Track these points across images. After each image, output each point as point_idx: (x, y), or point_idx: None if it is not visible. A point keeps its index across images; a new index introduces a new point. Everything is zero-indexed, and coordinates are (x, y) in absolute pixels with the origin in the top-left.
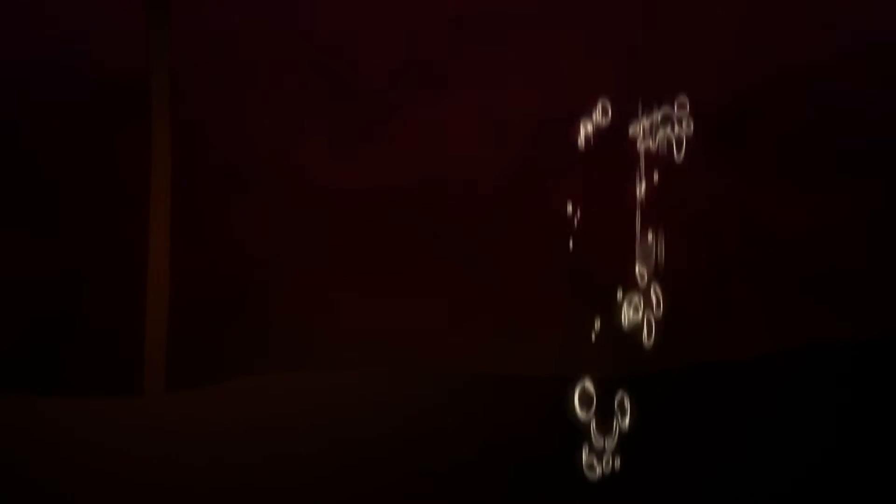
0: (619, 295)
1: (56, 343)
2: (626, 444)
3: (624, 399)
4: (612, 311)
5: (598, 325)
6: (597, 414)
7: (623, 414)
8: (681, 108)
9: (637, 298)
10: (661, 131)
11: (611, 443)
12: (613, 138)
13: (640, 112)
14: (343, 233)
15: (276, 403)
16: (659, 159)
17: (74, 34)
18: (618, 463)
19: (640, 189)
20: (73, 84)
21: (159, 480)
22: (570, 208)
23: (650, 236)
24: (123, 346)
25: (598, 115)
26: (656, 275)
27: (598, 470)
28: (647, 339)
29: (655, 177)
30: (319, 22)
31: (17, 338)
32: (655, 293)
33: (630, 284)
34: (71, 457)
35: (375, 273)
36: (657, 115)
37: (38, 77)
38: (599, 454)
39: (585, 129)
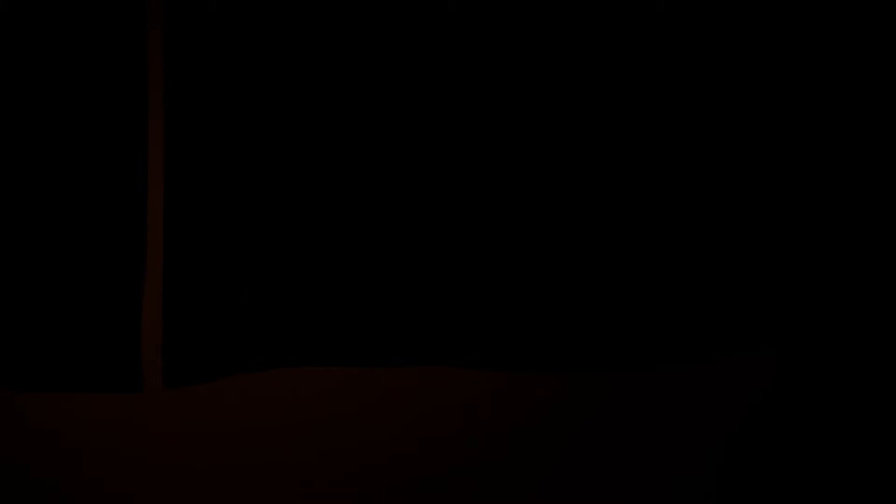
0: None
1: (53, 340)
2: (621, 443)
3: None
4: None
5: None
6: None
7: None
8: None
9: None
10: None
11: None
12: None
13: None
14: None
15: (274, 402)
16: None
17: (70, 31)
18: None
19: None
20: (68, 82)
21: (157, 478)
22: None
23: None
24: (121, 344)
25: None
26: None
27: None
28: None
29: None
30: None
31: (13, 335)
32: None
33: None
34: (69, 454)
35: (374, 269)
36: None
37: (33, 76)
38: None
39: None
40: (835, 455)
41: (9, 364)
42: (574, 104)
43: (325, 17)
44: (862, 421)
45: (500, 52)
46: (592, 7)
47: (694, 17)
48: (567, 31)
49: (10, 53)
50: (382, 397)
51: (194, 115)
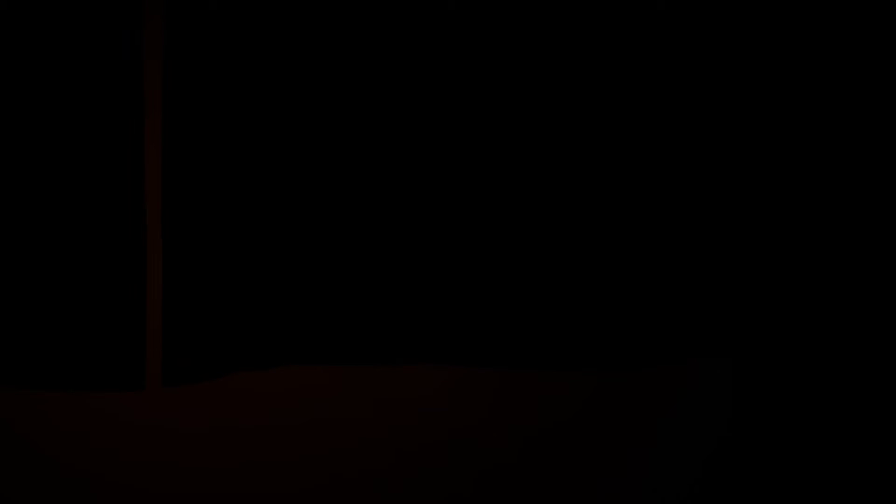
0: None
1: (54, 339)
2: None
3: None
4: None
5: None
6: None
7: None
8: None
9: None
10: None
11: None
12: None
13: None
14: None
15: (274, 400)
16: None
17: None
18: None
19: None
20: (67, 79)
21: (155, 478)
22: None
23: None
24: (122, 342)
25: None
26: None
27: None
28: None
29: None
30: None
31: (14, 334)
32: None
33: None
34: (66, 454)
35: (372, 266)
36: None
37: (31, 72)
38: None
39: None
40: (795, 458)
41: (10, 363)
42: (574, 104)
43: (326, 17)
44: (824, 422)
45: (500, 52)
46: (593, 7)
47: (694, 17)
48: (567, 31)
49: (8, 54)
50: (381, 395)
51: (194, 115)
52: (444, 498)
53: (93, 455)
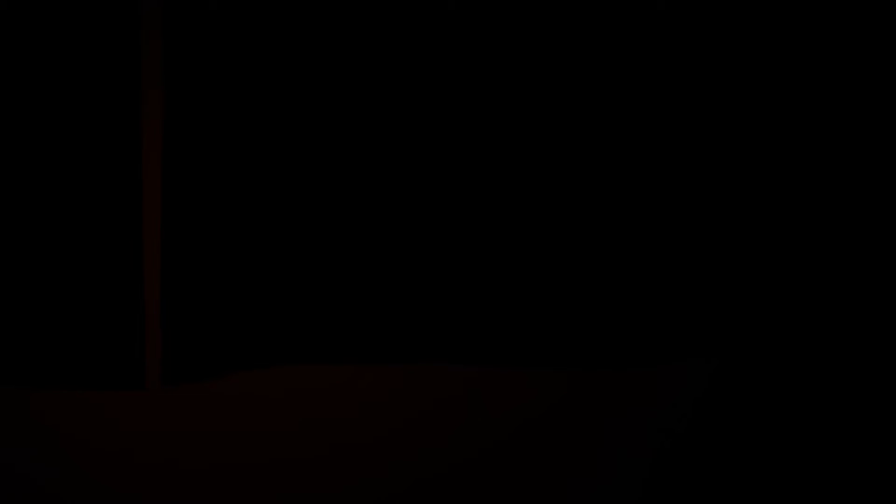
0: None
1: (55, 338)
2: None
3: None
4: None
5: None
6: None
7: None
8: None
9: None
10: None
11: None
12: None
13: None
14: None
15: (274, 399)
16: None
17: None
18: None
19: None
20: (65, 79)
21: (155, 478)
22: None
23: None
24: (123, 341)
25: None
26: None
27: None
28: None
29: None
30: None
31: (15, 333)
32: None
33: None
34: (66, 454)
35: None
36: None
37: (30, 74)
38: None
39: None
40: (767, 459)
41: (11, 362)
42: (574, 104)
43: (325, 17)
44: (798, 425)
45: (500, 52)
46: (593, 7)
47: (694, 17)
48: (567, 30)
49: (6, 54)
50: (381, 394)
51: (193, 115)
52: (446, 498)
53: (92, 455)
